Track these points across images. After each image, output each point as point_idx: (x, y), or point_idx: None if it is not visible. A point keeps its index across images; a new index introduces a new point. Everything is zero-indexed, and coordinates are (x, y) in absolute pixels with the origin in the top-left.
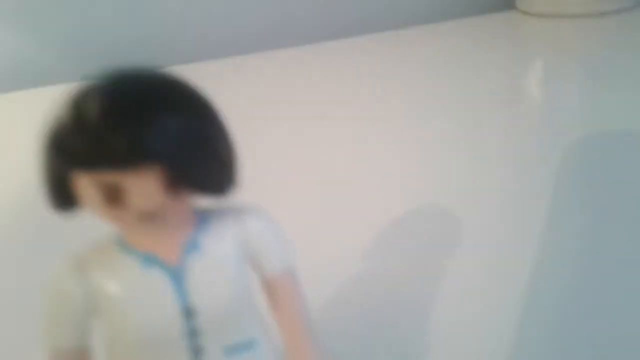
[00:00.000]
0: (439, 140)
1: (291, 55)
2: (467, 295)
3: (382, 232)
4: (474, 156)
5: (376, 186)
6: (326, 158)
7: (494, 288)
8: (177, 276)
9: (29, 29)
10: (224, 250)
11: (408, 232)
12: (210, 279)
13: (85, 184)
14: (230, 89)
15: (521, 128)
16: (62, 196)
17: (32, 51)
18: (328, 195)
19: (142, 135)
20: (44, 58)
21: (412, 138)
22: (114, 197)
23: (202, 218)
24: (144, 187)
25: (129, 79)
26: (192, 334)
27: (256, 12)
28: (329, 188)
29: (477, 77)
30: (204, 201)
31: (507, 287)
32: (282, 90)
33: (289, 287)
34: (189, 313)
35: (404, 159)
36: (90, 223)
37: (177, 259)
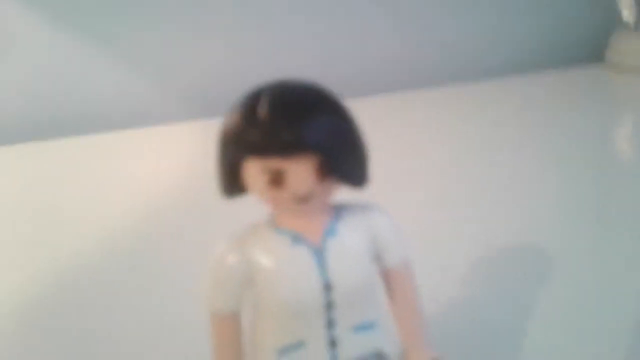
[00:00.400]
0: (526, 194)
1: (376, 103)
2: (561, 333)
3: (479, 266)
4: (562, 210)
5: (470, 227)
6: (426, 199)
7: (586, 327)
8: (319, 254)
9: (151, 73)
10: (355, 238)
11: (502, 269)
12: (344, 260)
13: (254, 170)
14: None
15: (611, 187)
16: (232, 184)
17: (157, 94)
18: (430, 228)
19: (305, 129)
20: (165, 100)
21: (499, 190)
22: (276, 181)
23: (338, 210)
24: (301, 172)
25: (287, 86)
26: (329, 306)
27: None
28: (430, 221)
29: (564, 131)
30: (339, 197)
31: (603, 329)
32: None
33: (406, 278)
34: (327, 287)
35: (490, 207)
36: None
37: (319, 240)
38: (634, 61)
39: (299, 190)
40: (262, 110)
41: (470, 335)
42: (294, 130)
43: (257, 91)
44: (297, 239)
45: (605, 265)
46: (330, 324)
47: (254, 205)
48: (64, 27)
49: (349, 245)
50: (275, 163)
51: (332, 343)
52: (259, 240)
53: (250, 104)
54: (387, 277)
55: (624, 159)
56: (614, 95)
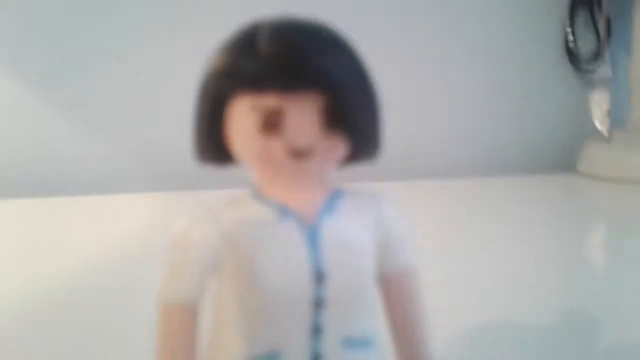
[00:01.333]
0: (491, 296)
1: None
2: None
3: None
4: (528, 316)
5: None
6: None
7: None
8: (312, 235)
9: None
10: (357, 223)
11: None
12: (342, 246)
13: (243, 111)
14: None
15: (578, 294)
16: (211, 140)
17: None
18: None
19: (312, 58)
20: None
21: (463, 291)
22: (271, 124)
23: (339, 190)
24: (303, 115)
25: (289, 19)
26: (318, 304)
27: None
28: None
29: (532, 235)
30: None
31: None
32: None
33: (413, 289)
34: (319, 276)
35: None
36: None
37: (313, 218)
38: (603, 171)
39: (298, 139)
40: (262, 38)
41: None
42: (297, 58)
43: (254, 24)
44: (285, 212)
45: None
46: (316, 330)
47: None
48: (26, 88)
49: (350, 229)
50: (272, 100)
51: (315, 358)
52: (236, 212)
53: (248, 34)
54: (389, 284)
55: (592, 264)
56: (583, 203)
